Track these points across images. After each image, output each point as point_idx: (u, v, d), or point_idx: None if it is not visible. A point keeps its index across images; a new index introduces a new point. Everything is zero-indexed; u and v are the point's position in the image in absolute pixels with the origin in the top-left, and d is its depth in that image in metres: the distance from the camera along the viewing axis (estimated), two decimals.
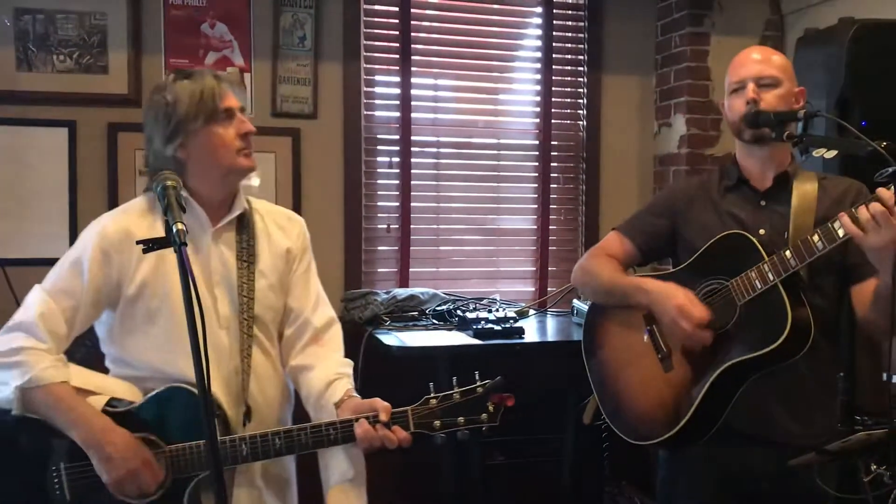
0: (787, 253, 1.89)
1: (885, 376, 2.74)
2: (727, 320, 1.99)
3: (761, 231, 2.05)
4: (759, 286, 1.93)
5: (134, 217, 1.90)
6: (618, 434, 2.18)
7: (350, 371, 1.98)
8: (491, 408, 1.80)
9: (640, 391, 2.14)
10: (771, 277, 1.91)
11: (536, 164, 4.06)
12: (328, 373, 1.94)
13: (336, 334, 2.04)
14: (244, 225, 1.96)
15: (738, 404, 2.01)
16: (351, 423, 1.79)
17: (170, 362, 1.83)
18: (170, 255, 1.81)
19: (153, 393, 1.83)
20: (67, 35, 3.36)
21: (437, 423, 1.79)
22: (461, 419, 1.79)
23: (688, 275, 2.12)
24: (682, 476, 2.19)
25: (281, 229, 2.02)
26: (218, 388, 1.83)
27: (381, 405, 1.81)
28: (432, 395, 1.82)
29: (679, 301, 2.01)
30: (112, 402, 1.81)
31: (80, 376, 1.83)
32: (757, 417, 2.02)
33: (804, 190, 2.05)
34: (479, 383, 1.81)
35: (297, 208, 3.63)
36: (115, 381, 1.87)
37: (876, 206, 1.74)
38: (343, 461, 1.88)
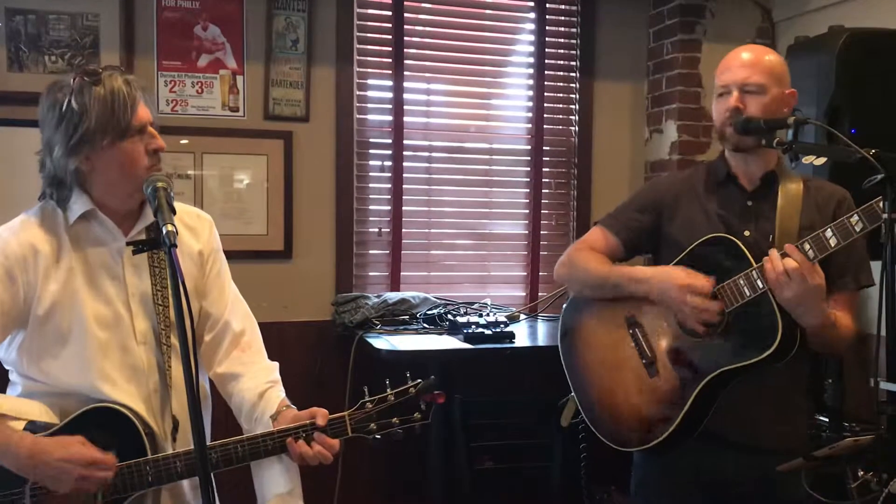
0: None
1: (872, 381, 2.76)
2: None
3: (746, 232, 2.05)
4: (749, 293, 1.93)
5: (35, 229, 1.79)
6: (599, 438, 2.17)
7: (278, 376, 1.95)
8: (423, 406, 1.83)
9: (624, 397, 2.13)
10: (760, 285, 1.92)
11: (528, 168, 4.07)
12: (258, 382, 1.90)
13: (256, 334, 2.00)
14: (153, 231, 1.82)
15: (719, 409, 2.01)
16: (287, 433, 1.77)
17: (86, 383, 1.76)
18: (78, 270, 1.78)
19: (73, 415, 1.74)
20: (59, 36, 3.35)
21: (374, 425, 1.81)
22: (396, 419, 1.82)
23: None
24: (659, 479, 2.17)
25: (190, 230, 1.94)
26: (139, 407, 1.78)
27: (319, 412, 1.80)
28: (367, 398, 1.83)
29: (681, 279, 2.00)
30: (28, 425, 1.70)
31: None
32: (738, 422, 2.02)
33: (790, 192, 2.05)
34: (411, 384, 1.84)
35: (288, 211, 3.64)
36: (27, 402, 1.77)
37: (789, 262, 1.83)
38: (279, 475, 1.85)
